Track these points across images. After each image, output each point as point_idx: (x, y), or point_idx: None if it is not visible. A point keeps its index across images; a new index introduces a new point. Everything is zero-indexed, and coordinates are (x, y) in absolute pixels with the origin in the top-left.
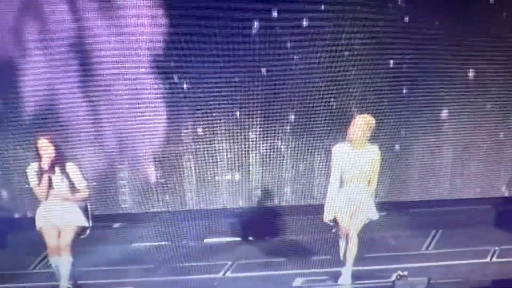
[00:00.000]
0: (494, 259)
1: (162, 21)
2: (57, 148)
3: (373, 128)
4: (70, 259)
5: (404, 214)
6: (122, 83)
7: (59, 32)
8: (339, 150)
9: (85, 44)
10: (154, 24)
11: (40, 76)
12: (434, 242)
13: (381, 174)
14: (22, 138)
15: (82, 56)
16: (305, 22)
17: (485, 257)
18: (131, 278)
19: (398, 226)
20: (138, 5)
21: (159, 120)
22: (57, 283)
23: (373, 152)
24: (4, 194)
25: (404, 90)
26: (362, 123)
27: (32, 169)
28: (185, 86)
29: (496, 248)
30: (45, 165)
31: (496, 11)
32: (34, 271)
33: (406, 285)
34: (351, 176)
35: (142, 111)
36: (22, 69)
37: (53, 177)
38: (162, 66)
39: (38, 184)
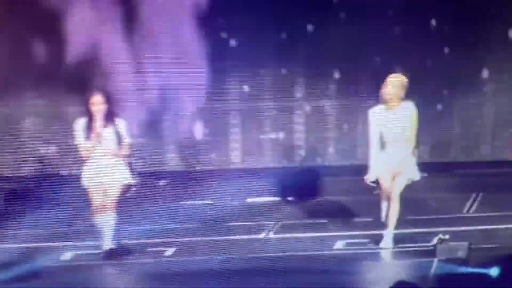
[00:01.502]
0: None
1: None
2: (109, 104)
3: (406, 87)
4: (115, 217)
5: (446, 176)
6: (170, 42)
7: None
8: (375, 112)
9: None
10: None
11: (90, 34)
12: (475, 205)
13: (423, 135)
14: (72, 95)
15: (131, 16)
16: None
17: None
18: (174, 238)
19: (439, 188)
20: None
21: (206, 78)
22: (100, 242)
23: (409, 109)
24: (52, 150)
25: (446, 51)
26: (394, 82)
27: (80, 125)
28: (233, 43)
29: None
30: (97, 121)
31: None
32: (80, 229)
33: (447, 249)
34: (391, 136)
35: (190, 69)
36: (71, 26)
37: (103, 133)
38: (211, 25)
39: (87, 139)
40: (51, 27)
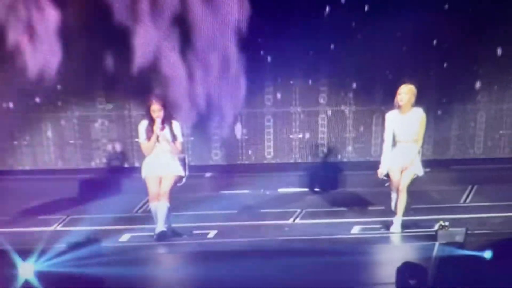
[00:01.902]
0: None
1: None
2: (166, 110)
3: (415, 94)
4: (167, 204)
5: (445, 171)
6: (217, 58)
7: (167, 11)
8: (390, 116)
9: (188, 22)
10: (242, 8)
11: (151, 51)
12: (471, 196)
13: (426, 135)
14: (135, 99)
15: (185, 32)
16: (366, 8)
17: None
18: (216, 222)
19: (440, 181)
20: None
21: (247, 87)
22: (154, 226)
23: (419, 114)
24: (118, 146)
25: (445, 65)
26: (406, 91)
27: (143, 126)
28: (269, 59)
29: None
30: (156, 124)
31: None
32: (137, 214)
33: (447, 234)
34: (402, 137)
35: (234, 80)
36: (136, 42)
37: (161, 134)
38: (250, 42)
39: (148, 140)
40: (119, 43)
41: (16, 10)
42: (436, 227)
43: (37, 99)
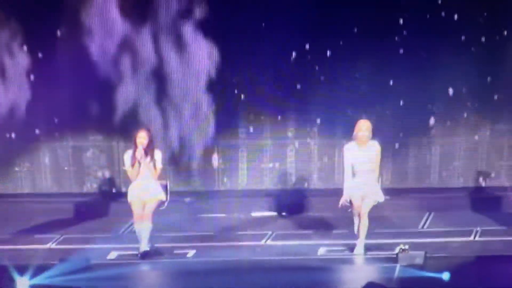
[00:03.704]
0: (477, 238)
1: (217, 53)
2: (150, 139)
3: (371, 129)
4: (150, 225)
5: (404, 199)
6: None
7: (146, 65)
8: (349, 149)
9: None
10: (212, 55)
11: (131, 96)
12: (428, 222)
13: (386, 166)
14: (122, 133)
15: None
16: (328, 53)
17: (469, 236)
18: (195, 243)
19: (399, 208)
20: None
21: (222, 121)
22: (138, 245)
23: (375, 147)
24: (106, 174)
25: (401, 103)
26: (366, 126)
27: (127, 155)
28: (242, 97)
29: (478, 229)
30: (138, 149)
31: None
32: (123, 234)
33: (407, 257)
34: (360, 167)
35: (210, 115)
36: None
37: (143, 161)
38: (225, 83)
39: (132, 167)
40: (106, 89)
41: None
42: (397, 250)
43: (37, 131)
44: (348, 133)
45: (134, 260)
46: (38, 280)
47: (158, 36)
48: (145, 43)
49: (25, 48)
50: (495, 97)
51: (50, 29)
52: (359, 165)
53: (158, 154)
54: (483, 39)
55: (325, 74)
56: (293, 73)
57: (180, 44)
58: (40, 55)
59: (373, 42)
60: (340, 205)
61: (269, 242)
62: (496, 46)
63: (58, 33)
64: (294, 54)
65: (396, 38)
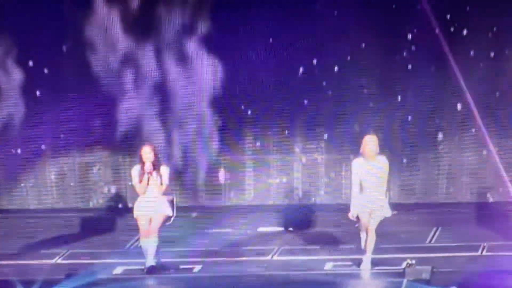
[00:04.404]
0: (484, 253)
1: (222, 70)
2: (156, 154)
3: (378, 144)
4: (157, 241)
5: (411, 214)
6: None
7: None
8: (357, 164)
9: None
10: (216, 72)
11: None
12: (435, 237)
13: (392, 182)
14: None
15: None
16: (336, 68)
17: (477, 251)
18: (201, 258)
19: (407, 223)
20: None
21: (229, 137)
22: (145, 260)
23: (383, 162)
24: (112, 189)
25: (409, 118)
26: (373, 141)
27: (135, 170)
28: (249, 113)
29: (485, 244)
30: (146, 165)
31: None
32: (129, 249)
33: (414, 272)
34: (368, 183)
35: (217, 131)
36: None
37: (151, 177)
38: (232, 99)
39: (140, 182)
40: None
41: None
42: (404, 265)
43: (43, 146)
44: (356, 149)
45: (140, 275)
46: None
47: (163, 52)
48: (150, 59)
49: (30, 63)
50: (504, 112)
51: (56, 45)
52: (367, 180)
53: (165, 170)
54: (492, 54)
55: (333, 90)
56: (300, 88)
57: (186, 59)
58: (46, 71)
59: (381, 57)
60: (348, 219)
61: (275, 257)
62: (504, 61)
63: (64, 49)
64: (301, 69)
65: (405, 53)
